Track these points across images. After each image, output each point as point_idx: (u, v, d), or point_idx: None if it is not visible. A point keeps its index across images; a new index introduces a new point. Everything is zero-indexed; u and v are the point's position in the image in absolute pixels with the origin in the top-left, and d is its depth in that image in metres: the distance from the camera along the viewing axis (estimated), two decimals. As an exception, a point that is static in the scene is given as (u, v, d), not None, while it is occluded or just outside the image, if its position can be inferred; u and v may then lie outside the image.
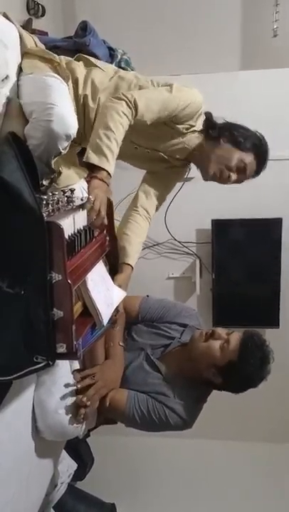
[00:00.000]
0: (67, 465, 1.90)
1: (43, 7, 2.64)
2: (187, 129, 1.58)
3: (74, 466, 1.97)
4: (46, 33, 2.51)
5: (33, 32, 2.06)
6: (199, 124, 1.60)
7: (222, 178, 1.59)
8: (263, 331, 2.78)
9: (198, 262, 2.84)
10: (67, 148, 1.35)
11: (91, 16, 2.64)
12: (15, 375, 1.04)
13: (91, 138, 1.36)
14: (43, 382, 1.34)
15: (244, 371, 1.47)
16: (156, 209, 1.76)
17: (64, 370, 1.39)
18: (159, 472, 2.69)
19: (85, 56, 1.59)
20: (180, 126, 1.56)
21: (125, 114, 1.36)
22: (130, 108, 1.38)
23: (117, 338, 1.59)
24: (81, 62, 1.56)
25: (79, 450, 2.33)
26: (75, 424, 1.37)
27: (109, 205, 1.40)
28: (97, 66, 1.55)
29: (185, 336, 1.67)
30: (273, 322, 2.77)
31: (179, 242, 2.82)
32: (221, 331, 1.55)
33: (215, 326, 2.74)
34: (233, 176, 1.58)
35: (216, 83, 2.65)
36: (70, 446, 1.92)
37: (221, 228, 2.73)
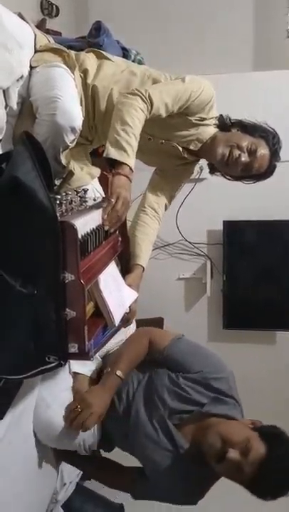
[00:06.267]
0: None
1: (57, 7, 2.64)
2: (199, 120, 1.54)
3: (83, 465, 1.96)
4: (60, 33, 2.52)
5: (47, 32, 2.05)
6: (211, 117, 1.57)
7: (231, 158, 1.52)
8: (274, 334, 2.77)
9: (208, 263, 2.84)
10: (75, 141, 1.33)
11: (104, 16, 2.62)
12: (27, 374, 1.05)
13: (109, 134, 1.34)
14: (46, 384, 1.36)
15: (262, 491, 1.33)
16: (166, 208, 1.73)
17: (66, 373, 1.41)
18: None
19: (96, 50, 1.57)
20: (191, 118, 1.53)
21: (141, 109, 1.35)
22: (145, 103, 1.36)
23: (117, 366, 1.41)
24: (91, 54, 1.54)
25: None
26: (67, 429, 1.32)
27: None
28: (108, 59, 1.53)
29: (209, 407, 1.37)
30: (284, 325, 2.74)
31: (189, 242, 2.82)
32: (234, 452, 1.23)
33: (225, 328, 2.73)
34: (243, 156, 1.52)
35: (228, 84, 2.64)
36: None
37: (232, 229, 2.71)
